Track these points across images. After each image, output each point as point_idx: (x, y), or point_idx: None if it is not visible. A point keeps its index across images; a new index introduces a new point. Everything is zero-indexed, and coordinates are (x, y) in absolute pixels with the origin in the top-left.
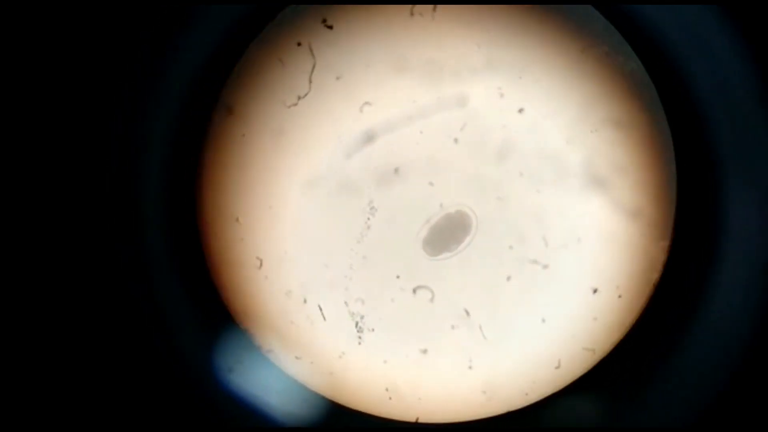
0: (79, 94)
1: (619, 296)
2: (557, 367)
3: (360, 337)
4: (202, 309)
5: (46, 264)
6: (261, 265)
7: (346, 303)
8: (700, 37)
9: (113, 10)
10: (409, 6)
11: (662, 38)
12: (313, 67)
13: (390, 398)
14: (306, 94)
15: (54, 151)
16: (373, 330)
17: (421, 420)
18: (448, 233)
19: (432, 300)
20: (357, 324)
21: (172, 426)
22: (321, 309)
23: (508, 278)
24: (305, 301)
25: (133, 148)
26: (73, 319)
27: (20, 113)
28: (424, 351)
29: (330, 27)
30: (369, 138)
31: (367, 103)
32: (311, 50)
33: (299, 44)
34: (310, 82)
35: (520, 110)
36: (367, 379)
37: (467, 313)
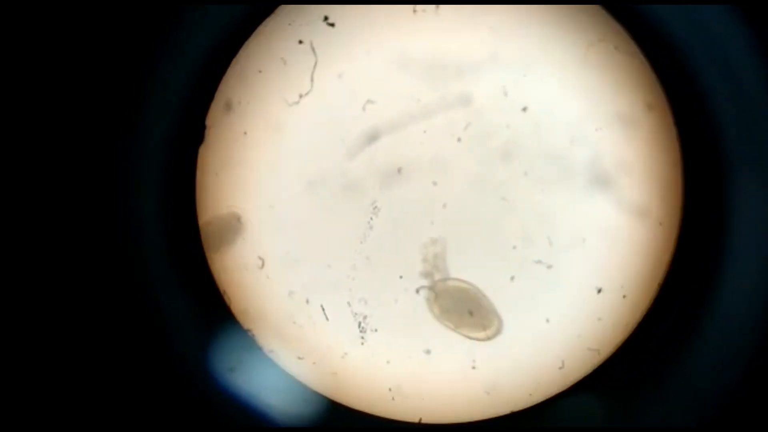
0: (78, 92)
1: (624, 296)
2: (561, 368)
3: (363, 338)
4: (204, 309)
5: (46, 264)
6: (263, 265)
7: (349, 303)
8: (707, 34)
9: (111, 8)
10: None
11: (669, 36)
12: (315, 64)
13: (393, 398)
14: (308, 92)
15: (52, 150)
16: (376, 330)
17: (424, 420)
18: (223, 234)
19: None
20: (360, 324)
21: (173, 426)
22: (324, 309)
23: (512, 278)
24: (308, 301)
25: (133, 146)
26: (73, 320)
27: (19, 111)
28: (428, 351)
29: (332, 24)
30: (372, 137)
31: (369, 101)
32: (313, 48)
33: (301, 42)
34: (312, 80)
35: (524, 109)
36: (370, 379)
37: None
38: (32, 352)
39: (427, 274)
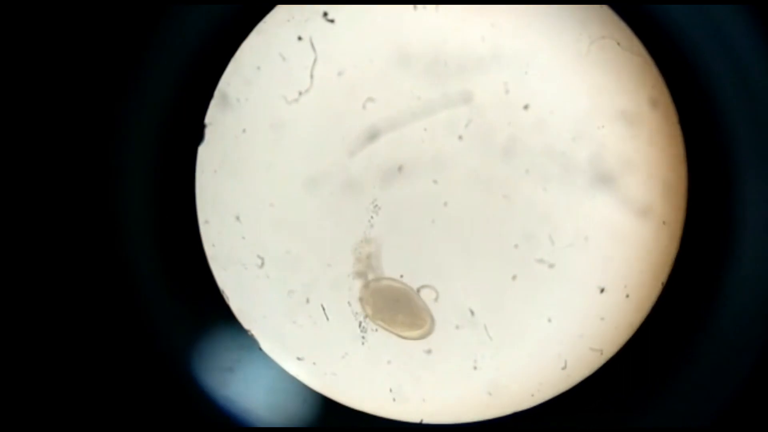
0: (74, 90)
1: (627, 296)
2: (564, 368)
3: (363, 337)
4: (203, 309)
5: (42, 264)
6: (263, 264)
7: (349, 303)
8: (713, 30)
9: (108, 5)
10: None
11: (674, 32)
12: (314, 61)
13: (394, 399)
14: (307, 90)
15: (47, 148)
16: (376, 330)
17: (426, 421)
18: None
19: (436, 299)
20: (360, 324)
21: (172, 427)
22: (324, 309)
23: (514, 277)
24: (308, 300)
25: (131, 145)
26: (70, 319)
27: (15, 106)
28: (428, 351)
29: (331, 21)
30: (372, 135)
31: (370, 99)
32: (312, 44)
33: (300, 38)
34: (312, 77)
35: (526, 106)
36: (371, 379)
37: (472, 312)
38: (30, 354)
39: (360, 274)
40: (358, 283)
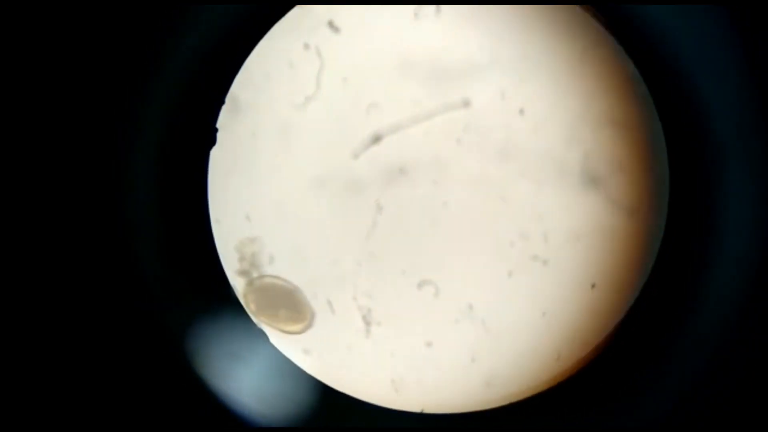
0: (86, 91)
1: (616, 290)
2: (557, 360)
3: (367, 331)
4: (216, 304)
5: (58, 262)
6: (271, 261)
7: (354, 298)
8: (694, 36)
9: (119, 9)
10: (413, 9)
11: (656, 38)
12: (320, 68)
13: (396, 390)
14: (314, 95)
15: (58, 150)
16: (380, 324)
17: (426, 411)
18: None
19: (436, 295)
20: (364, 317)
21: (182, 419)
22: (330, 303)
23: (510, 274)
24: (315, 295)
25: (147, 148)
26: (83, 316)
27: (23, 108)
28: (429, 344)
29: (336, 30)
30: (375, 138)
31: (373, 104)
32: (318, 52)
33: (307, 46)
34: (318, 83)
35: (521, 111)
36: (374, 371)
37: (470, 307)
38: (34, 349)
39: (244, 273)
40: (242, 281)
